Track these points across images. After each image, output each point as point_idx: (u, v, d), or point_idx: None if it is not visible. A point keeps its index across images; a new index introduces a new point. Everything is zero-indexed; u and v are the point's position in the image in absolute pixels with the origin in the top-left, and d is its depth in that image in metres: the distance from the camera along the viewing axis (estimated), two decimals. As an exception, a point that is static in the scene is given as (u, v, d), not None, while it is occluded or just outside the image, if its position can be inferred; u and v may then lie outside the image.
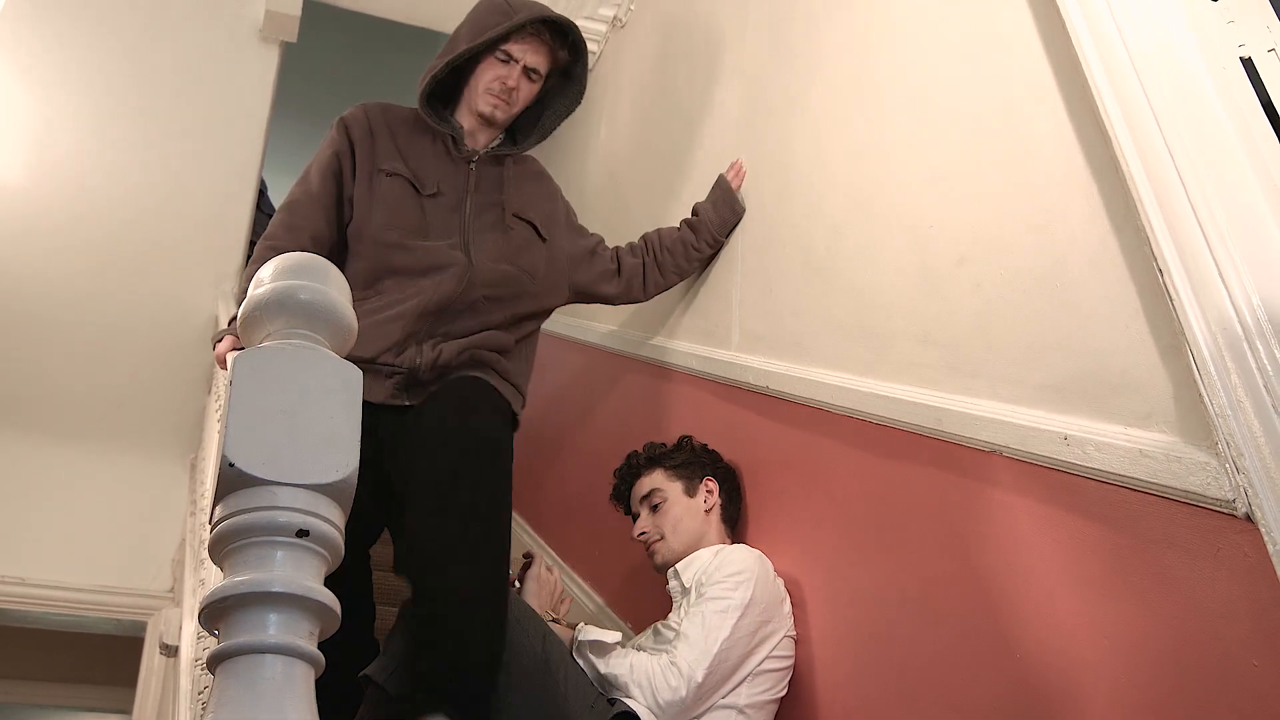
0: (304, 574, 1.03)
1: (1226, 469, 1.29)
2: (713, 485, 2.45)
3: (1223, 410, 1.30)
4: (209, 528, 1.08)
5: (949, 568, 1.82)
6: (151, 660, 3.68)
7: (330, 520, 1.07)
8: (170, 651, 3.04)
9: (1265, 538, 1.23)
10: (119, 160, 4.06)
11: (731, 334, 2.74)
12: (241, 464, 1.04)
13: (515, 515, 4.28)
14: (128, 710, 3.81)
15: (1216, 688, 1.31)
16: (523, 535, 4.11)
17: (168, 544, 3.96)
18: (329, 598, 1.03)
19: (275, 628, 0.99)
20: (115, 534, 3.95)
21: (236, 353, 1.13)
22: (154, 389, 4.16)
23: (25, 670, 4.86)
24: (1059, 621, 1.57)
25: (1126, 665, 1.44)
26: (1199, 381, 1.34)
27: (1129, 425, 1.47)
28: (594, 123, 4.35)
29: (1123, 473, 1.44)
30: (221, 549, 1.05)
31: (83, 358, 4.10)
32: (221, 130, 4.23)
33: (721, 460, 2.52)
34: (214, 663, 0.99)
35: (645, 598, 2.84)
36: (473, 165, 2.54)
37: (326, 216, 2.43)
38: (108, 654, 4.36)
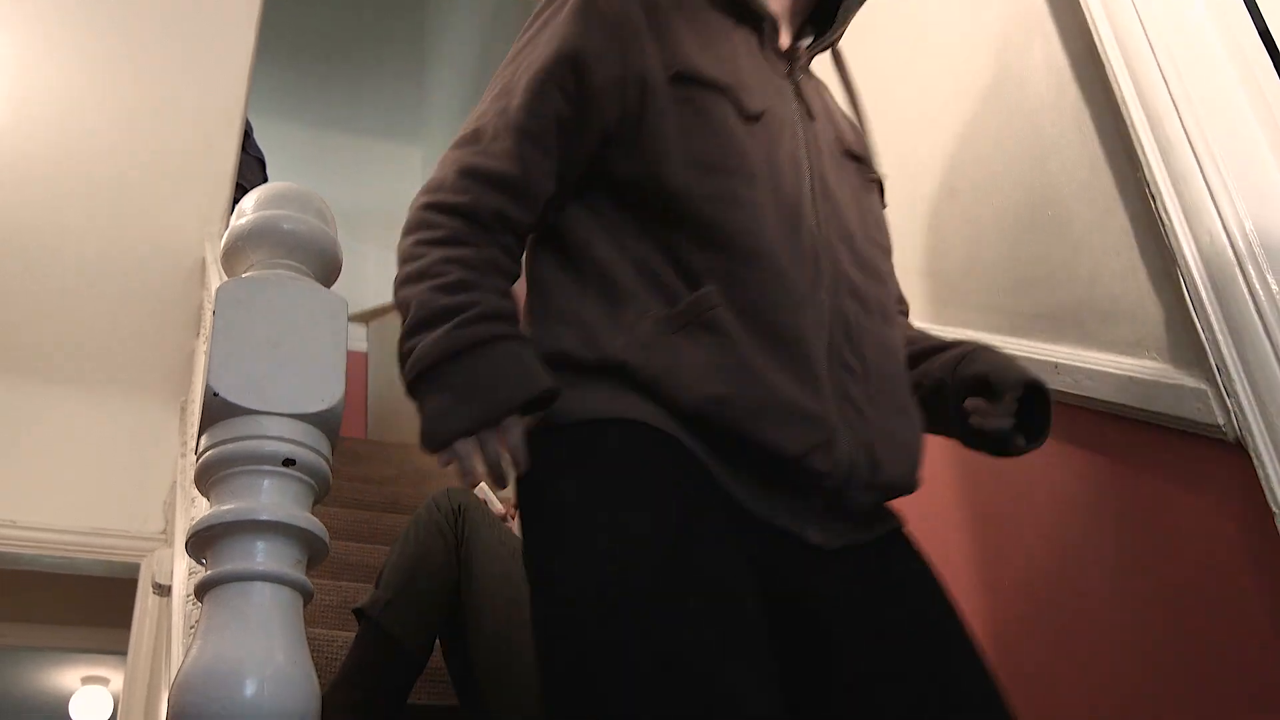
0: (291, 502, 1.03)
1: (1217, 395, 1.29)
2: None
3: (1214, 336, 1.29)
4: (195, 457, 1.08)
5: (936, 502, 1.83)
6: (145, 601, 3.69)
7: (317, 450, 1.06)
8: (163, 591, 3.05)
9: (1255, 462, 1.23)
10: (102, 102, 4.00)
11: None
12: (226, 393, 1.03)
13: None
14: (123, 651, 3.82)
15: (1205, 610, 1.31)
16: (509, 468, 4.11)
17: (159, 486, 3.95)
18: (316, 526, 1.03)
19: (263, 555, 0.99)
20: (106, 477, 3.93)
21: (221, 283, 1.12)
22: (142, 333, 4.13)
23: (19, 613, 4.88)
24: (1049, 550, 1.57)
25: (1116, 590, 1.45)
26: (1190, 307, 1.33)
27: (1120, 353, 1.47)
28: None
29: (1113, 400, 1.44)
30: (208, 478, 1.04)
31: (68, 301, 4.06)
32: (205, 72, 4.17)
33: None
34: (202, 590, 0.99)
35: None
36: (794, 74, 1.40)
37: (558, 165, 1.28)
38: (102, 596, 4.37)
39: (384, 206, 6.74)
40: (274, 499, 1.01)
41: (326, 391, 1.07)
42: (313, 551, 1.05)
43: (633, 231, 1.25)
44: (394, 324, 5.65)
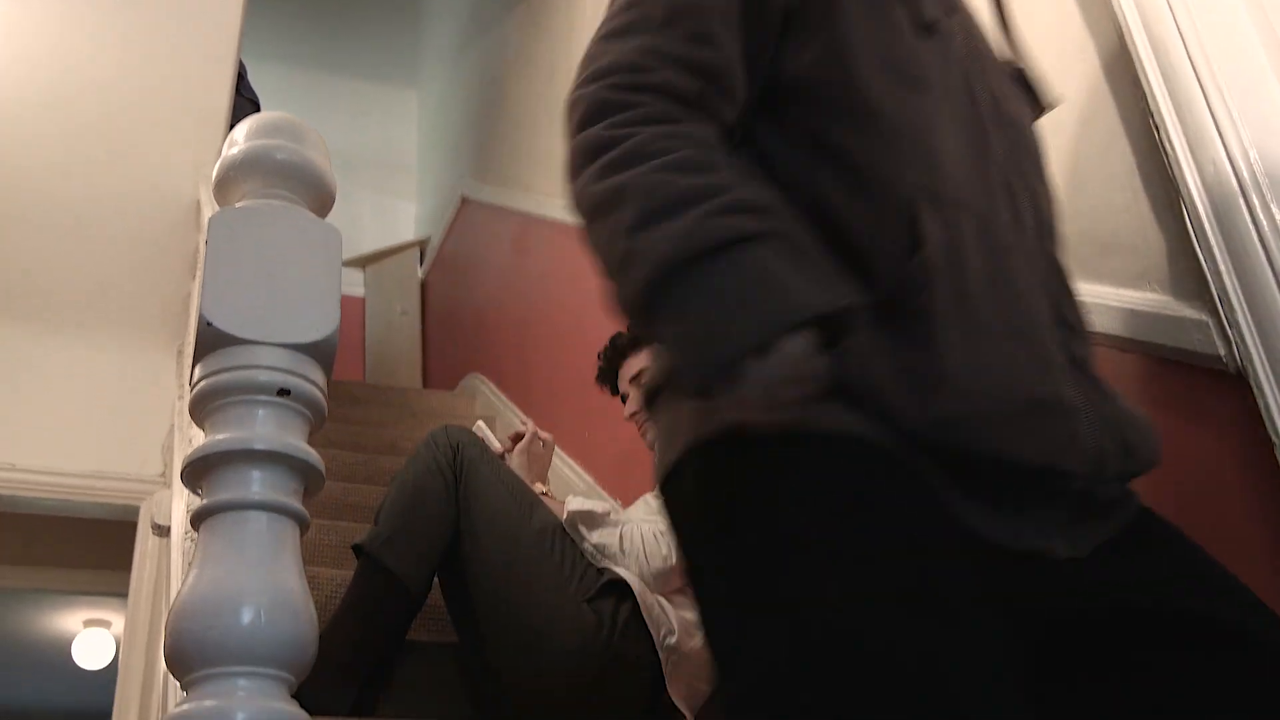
0: (287, 432, 1.02)
1: (1220, 325, 1.28)
2: (703, 359, 2.42)
3: (1217, 266, 1.28)
4: (189, 388, 1.07)
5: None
6: (145, 544, 3.70)
7: (313, 380, 1.06)
8: (162, 532, 3.05)
9: (1256, 392, 1.22)
10: (95, 45, 3.95)
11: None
12: (219, 323, 1.02)
13: (503, 396, 4.29)
14: (124, 594, 3.84)
15: (1205, 542, 1.31)
16: (511, 417, 4.12)
17: (157, 430, 3.96)
18: (312, 456, 1.02)
19: (259, 485, 0.99)
20: (104, 421, 3.94)
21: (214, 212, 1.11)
22: (138, 276, 4.12)
23: (20, 556, 4.91)
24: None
25: (1113, 524, 1.45)
26: (1193, 238, 1.32)
27: (1121, 286, 1.46)
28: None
29: (1114, 333, 1.43)
30: (203, 408, 1.04)
31: (63, 246, 4.04)
32: (198, 13, 4.12)
33: (711, 334, 2.48)
34: (198, 520, 0.99)
35: (635, 476, 2.85)
36: None
37: (747, 47, 1.03)
38: (102, 539, 4.39)
39: (379, 151, 6.71)
40: (269, 429, 1.01)
41: (321, 321, 1.06)
42: (309, 482, 1.04)
43: (810, 162, 1.00)
44: (391, 269, 5.65)
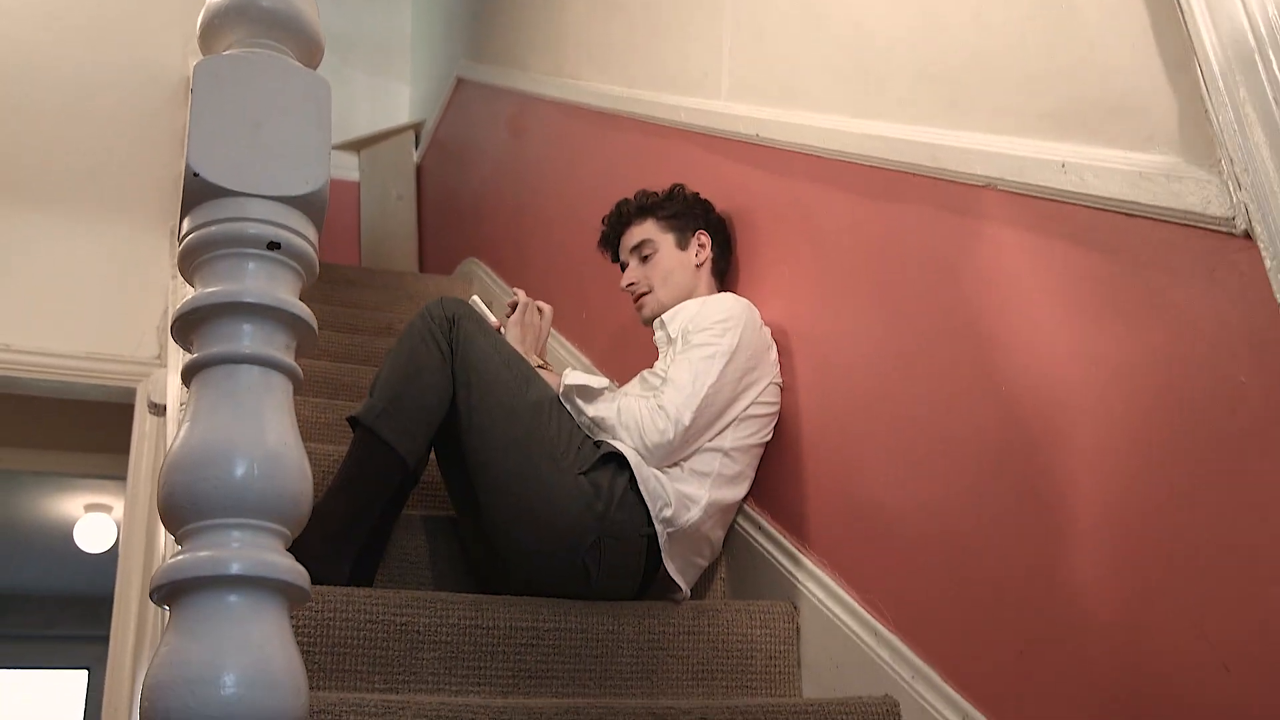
0: (278, 286, 1.00)
1: (1228, 186, 1.25)
2: (705, 239, 2.41)
3: (1228, 125, 1.25)
4: (178, 241, 1.05)
5: (939, 307, 1.81)
6: (143, 425, 3.72)
7: (303, 235, 1.03)
8: (159, 410, 3.06)
9: (1263, 253, 1.21)
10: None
11: (721, 82, 2.65)
12: (207, 174, 0.99)
13: (500, 280, 4.27)
14: (124, 477, 3.86)
15: (1206, 406, 1.31)
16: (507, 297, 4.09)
17: (152, 312, 3.95)
18: (304, 311, 1.01)
19: (250, 339, 0.97)
20: (99, 303, 3.93)
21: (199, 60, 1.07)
22: (129, 156, 4.07)
23: (19, 438, 4.93)
24: (1051, 353, 1.56)
25: (1118, 390, 1.44)
26: (1206, 98, 1.28)
27: (1130, 149, 1.43)
28: None
29: (1120, 197, 1.41)
30: (191, 262, 1.02)
31: (52, 125, 3.99)
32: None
33: (714, 211, 2.47)
34: (189, 374, 0.98)
35: (631, 356, 2.84)
36: None
37: None
38: (100, 421, 4.41)
39: (373, 31, 6.57)
40: (260, 283, 0.99)
41: (310, 174, 1.04)
42: (301, 338, 1.03)
43: None
44: (385, 153, 5.59)
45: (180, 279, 2.97)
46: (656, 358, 2.34)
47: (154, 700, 0.84)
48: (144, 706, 0.85)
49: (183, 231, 1.02)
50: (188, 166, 0.99)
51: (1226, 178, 1.26)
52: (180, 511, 0.91)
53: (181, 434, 0.93)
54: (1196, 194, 1.30)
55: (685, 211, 2.42)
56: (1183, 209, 1.31)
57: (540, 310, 2.40)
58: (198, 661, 0.85)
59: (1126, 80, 1.44)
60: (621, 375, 2.92)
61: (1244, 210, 1.23)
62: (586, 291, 3.31)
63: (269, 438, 0.94)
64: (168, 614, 0.90)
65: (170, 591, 0.88)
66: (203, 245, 1.00)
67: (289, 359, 1.00)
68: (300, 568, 0.93)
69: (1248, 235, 1.24)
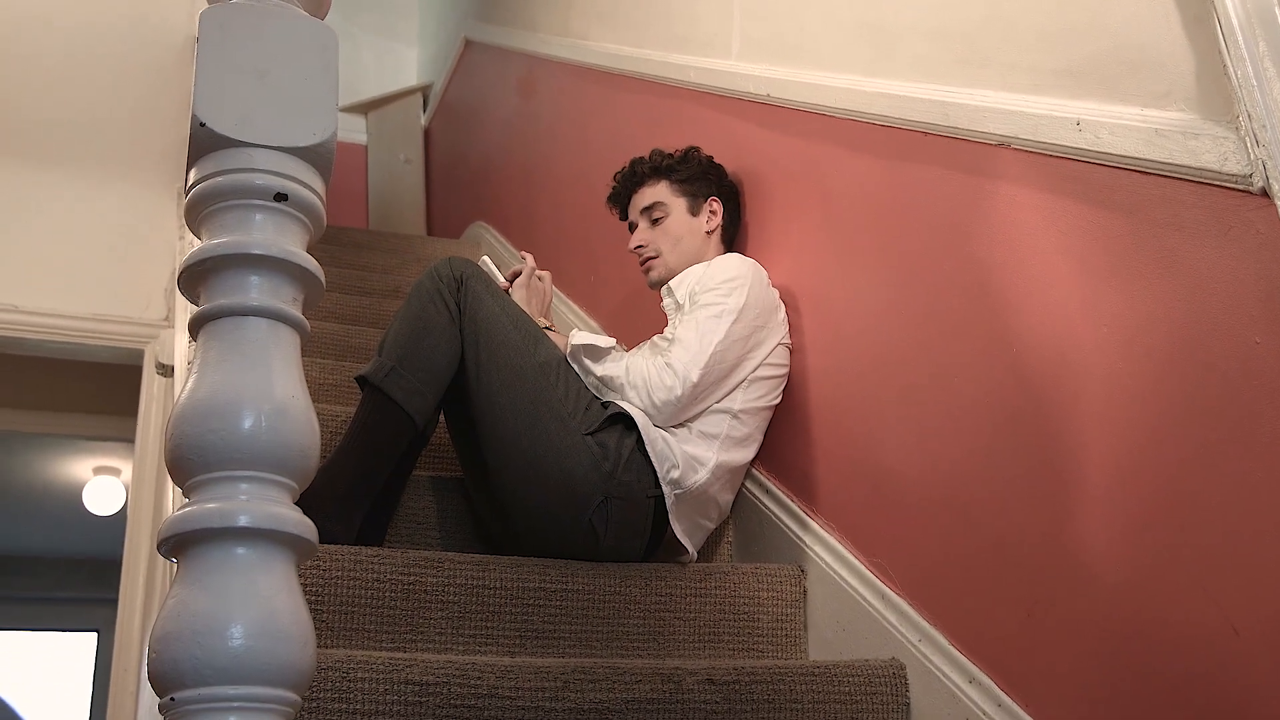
0: (285, 238, 0.99)
1: (1245, 143, 1.24)
2: (717, 206, 2.40)
3: (1247, 80, 1.23)
4: (184, 193, 1.04)
5: (951, 268, 1.79)
6: (151, 387, 3.72)
7: (311, 186, 1.02)
8: (167, 371, 3.06)
9: (1281, 211, 1.19)
10: None
11: (731, 42, 2.63)
12: (213, 124, 0.98)
13: (508, 244, 4.25)
14: (131, 439, 3.87)
15: (1218, 366, 1.30)
16: (515, 261, 4.08)
17: (159, 274, 3.94)
18: (311, 263, 1.00)
19: (257, 290, 0.96)
20: (106, 264, 3.92)
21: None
22: (135, 115, 4.05)
23: (27, 400, 4.94)
24: (1064, 313, 1.55)
25: (1131, 351, 1.43)
26: (1224, 52, 1.26)
27: (1145, 106, 1.41)
28: None
29: (1135, 155, 1.39)
30: (198, 213, 1.00)
31: (59, 84, 3.97)
32: None
33: (727, 177, 2.46)
34: (196, 326, 0.97)
35: (639, 319, 2.83)
36: None
37: None
38: (108, 383, 4.41)
39: (380, -9, 6.52)
40: (267, 234, 0.98)
41: (318, 125, 1.02)
42: (308, 291, 1.02)
43: None
44: (393, 115, 5.56)
45: (188, 239, 2.97)
46: (665, 321, 2.33)
47: (161, 651, 0.84)
48: (151, 658, 0.85)
49: (189, 182, 1.01)
50: (194, 117, 0.98)
51: (1244, 134, 1.24)
52: (187, 464, 0.90)
53: (189, 386, 0.93)
54: (1213, 151, 1.28)
55: (700, 176, 2.41)
56: (1199, 166, 1.30)
57: (541, 277, 2.39)
58: (205, 613, 0.85)
59: (1144, 34, 1.42)
60: (630, 338, 2.91)
61: (1261, 167, 1.22)
62: (595, 255, 3.30)
63: (277, 390, 0.93)
64: (175, 569, 0.90)
65: (177, 544, 0.88)
66: (209, 196, 0.99)
67: (296, 311, 0.99)
68: (308, 521, 0.92)
69: (1265, 193, 1.22)
